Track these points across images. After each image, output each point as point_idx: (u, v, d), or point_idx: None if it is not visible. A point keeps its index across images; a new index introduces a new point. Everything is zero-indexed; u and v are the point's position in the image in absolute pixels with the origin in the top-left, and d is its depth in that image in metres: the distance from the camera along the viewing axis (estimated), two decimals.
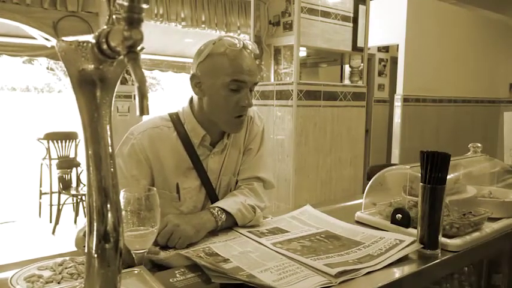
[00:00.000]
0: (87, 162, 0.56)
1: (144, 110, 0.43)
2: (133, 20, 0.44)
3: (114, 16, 0.51)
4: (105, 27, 0.50)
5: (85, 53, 0.52)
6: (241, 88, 1.13)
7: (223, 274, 0.77)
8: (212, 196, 1.23)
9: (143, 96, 0.43)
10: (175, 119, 1.21)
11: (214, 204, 1.14)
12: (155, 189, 0.83)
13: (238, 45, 1.12)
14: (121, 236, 0.57)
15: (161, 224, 0.97)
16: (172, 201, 1.18)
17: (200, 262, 0.80)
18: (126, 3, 0.44)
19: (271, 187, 1.32)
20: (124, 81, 4.31)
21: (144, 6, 0.47)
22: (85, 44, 0.52)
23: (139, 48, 0.46)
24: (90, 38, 0.50)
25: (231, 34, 1.22)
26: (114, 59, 0.51)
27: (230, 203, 1.14)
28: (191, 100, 1.23)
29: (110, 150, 0.57)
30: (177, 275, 0.78)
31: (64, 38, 0.53)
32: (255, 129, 1.32)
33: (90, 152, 0.56)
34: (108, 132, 0.57)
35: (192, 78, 1.16)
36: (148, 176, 1.17)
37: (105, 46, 0.48)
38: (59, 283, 0.76)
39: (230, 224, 1.12)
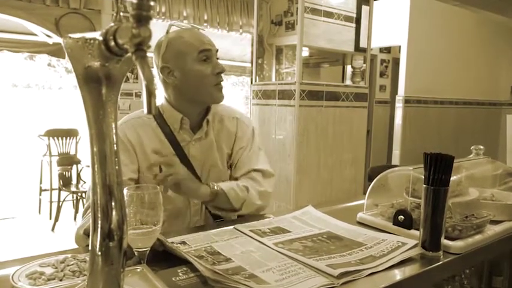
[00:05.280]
0: (92, 159, 0.56)
1: (151, 108, 0.43)
2: (142, 18, 0.44)
3: (121, 13, 0.50)
4: (112, 24, 0.50)
5: (92, 50, 0.52)
6: (210, 57, 1.22)
7: (220, 279, 0.76)
8: None
9: (151, 94, 0.43)
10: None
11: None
12: (158, 187, 0.84)
13: (187, 25, 1.26)
14: (125, 234, 0.57)
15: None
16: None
17: (198, 266, 0.79)
18: (134, 1, 0.43)
19: (270, 176, 1.35)
20: (125, 79, 4.32)
21: (152, 3, 0.46)
22: (92, 41, 0.51)
23: (146, 46, 0.46)
24: (97, 35, 0.50)
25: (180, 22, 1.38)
26: (121, 56, 0.51)
27: (223, 183, 1.21)
28: (165, 91, 1.30)
29: (115, 148, 0.57)
30: (180, 274, 0.78)
31: (71, 35, 0.52)
32: (244, 128, 1.37)
33: (95, 149, 0.56)
34: (114, 130, 0.57)
35: (163, 70, 1.23)
36: (135, 161, 1.23)
37: (112, 43, 0.48)
38: (61, 280, 0.76)
39: (225, 202, 1.19)
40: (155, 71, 1.27)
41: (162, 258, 0.90)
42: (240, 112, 1.41)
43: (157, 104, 1.26)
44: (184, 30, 1.23)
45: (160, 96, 1.31)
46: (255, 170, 1.32)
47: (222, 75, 1.25)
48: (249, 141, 1.36)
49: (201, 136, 1.28)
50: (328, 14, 2.89)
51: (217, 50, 1.25)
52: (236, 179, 1.32)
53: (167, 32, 1.22)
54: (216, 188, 1.18)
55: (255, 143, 1.37)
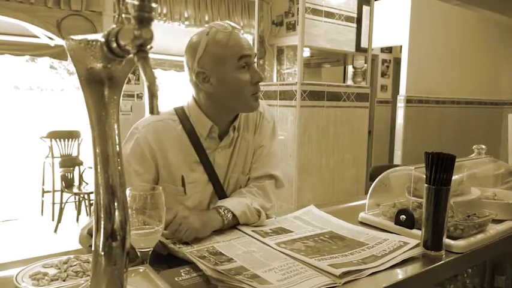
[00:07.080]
0: (94, 160, 0.57)
1: (154, 110, 0.44)
2: (144, 19, 0.44)
3: (123, 15, 0.51)
4: (114, 26, 0.51)
5: (94, 52, 0.53)
6: (249, 64, 1.14)
7: (223, 278, 0.77)
8: (219, 192, 1.21)
9: (153, 95, 0.43)
10: (181, 113, 1.20)
11: (220, 203, 1.14)
12: (160, 187, 0.83)
13: (228, 27, 1.13)
14: (128, 235, 0.58)
15: (170, 215, 0.98)
16: (178, 195, 1.16)
17: (201, 265, 0.80)
18: (136, 2, 0.44)
19: (282, 186, 1.31)
20: (127, 81, 4.32)
21: (154, 5, 0.47)
22: (94, 43, 0.52)
23: (148, 47, 0.46)
24: (99, 36, 0.51)
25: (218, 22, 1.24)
26: (123, 57, 0.52)
27: (235, 204, 1.13)
28: (195, 94, 1.20)
29: (118, 148, 0.57)
30: (182, 274, 0.78)
31: (73, 37, 0.53)
32: (266, 125, 1.30)
33: (97, 150, 0.56)
34: (116, 131, 0.57)
35: (198, 75, 1.13)
36: (153, 170, 1.15)
37: (114, 45, 0.48)
38: (64, 281, 0.76)
39: (234, 224, 1.13)
40: (186, 73, 1.18)
41: (165, 258, 0.90)
42: (264, 106, 1.33)
43: (183, 104, 1.22)
44: (223, 33, 1.12)
45: (188, 96, 1.22)
46: (270, 176, 1.27)
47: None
48: (269, 140, 1.30)
49: (226, 144, 1.22)
50: (329, 14, 2.89)
51: (255, 55, 1.18)
52: (248, 179, 1.27)
53: (207, 34, 1.12)
54: (227, 216, 1.10)
55: (275, 141, 1.32)
